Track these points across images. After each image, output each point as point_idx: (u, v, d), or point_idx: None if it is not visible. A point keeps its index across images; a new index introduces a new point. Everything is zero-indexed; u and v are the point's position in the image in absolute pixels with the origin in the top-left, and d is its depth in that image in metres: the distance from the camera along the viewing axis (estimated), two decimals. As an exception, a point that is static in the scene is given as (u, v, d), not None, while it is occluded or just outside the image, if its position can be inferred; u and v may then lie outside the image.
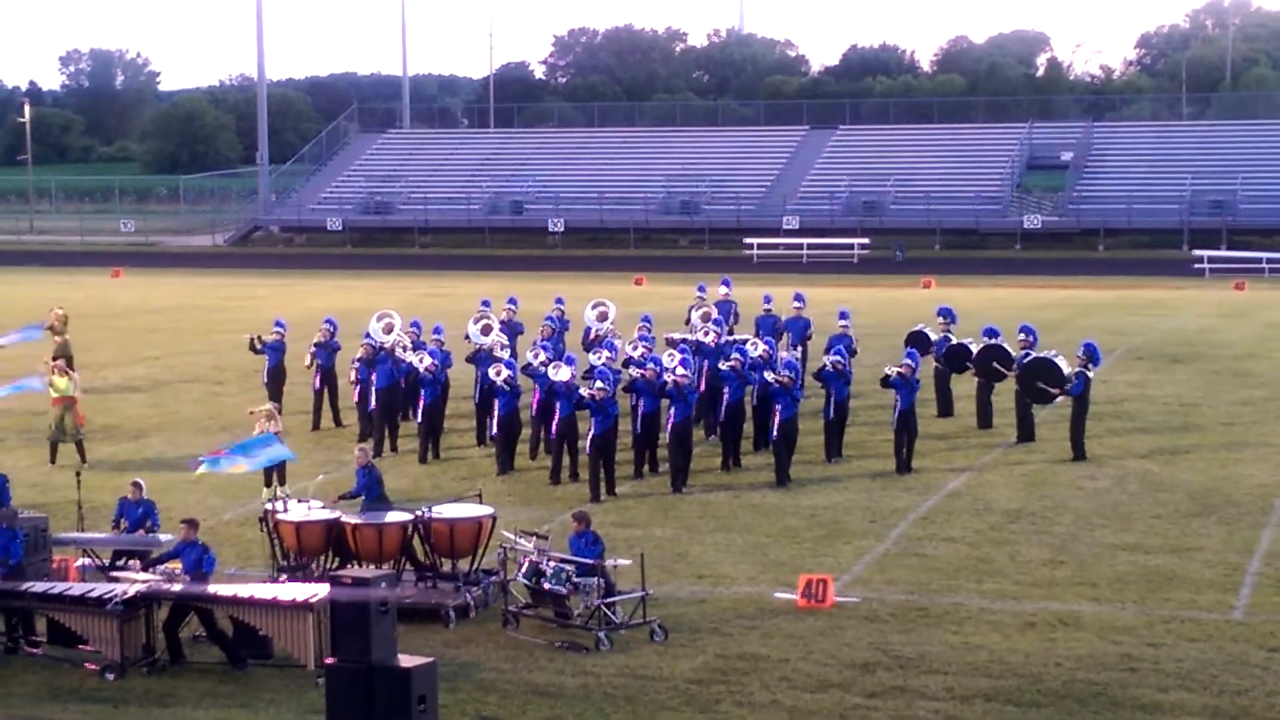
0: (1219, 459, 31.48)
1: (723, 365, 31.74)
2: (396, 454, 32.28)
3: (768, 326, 38.16)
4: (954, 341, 35.62)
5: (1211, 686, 18.81)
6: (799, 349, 37.64)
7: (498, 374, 30.84)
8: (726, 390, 31.26)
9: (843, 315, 36.86)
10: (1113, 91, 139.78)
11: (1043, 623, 21.22)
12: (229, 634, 20.08)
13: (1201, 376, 41.82)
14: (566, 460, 29.82)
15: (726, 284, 42.49)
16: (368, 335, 34.44)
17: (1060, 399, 32.33)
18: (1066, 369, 32.05)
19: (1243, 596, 22.39)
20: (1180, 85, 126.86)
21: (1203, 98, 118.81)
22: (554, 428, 29.85)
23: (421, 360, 32.41)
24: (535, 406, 31.41)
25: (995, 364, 33.72)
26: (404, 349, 33.81)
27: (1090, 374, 31.96)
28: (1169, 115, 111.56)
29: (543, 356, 31.68)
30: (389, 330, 34.43)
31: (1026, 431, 33.26)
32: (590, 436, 28.56)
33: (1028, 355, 33.10)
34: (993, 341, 34.43)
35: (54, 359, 36.49)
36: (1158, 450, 32.30)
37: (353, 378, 34.00)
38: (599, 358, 32.16)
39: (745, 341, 33.75)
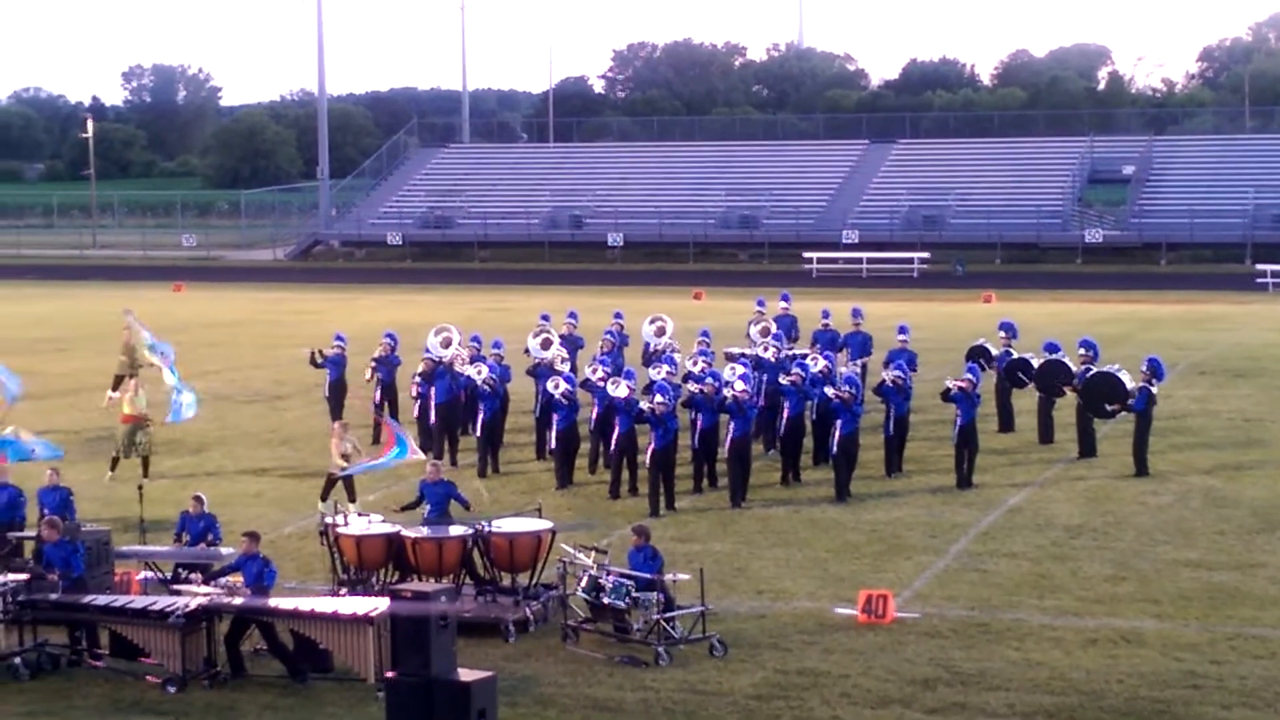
0: (1283, 475, 31.26)
1: (783, 380, 31.65)
2: (456, 468, 32.32)
3: (826, 341, 38.05)
4: (1015, 356, 35.45)
5: (1276, 704, 18.67)
6: (858, 364, 37.51)
7: (555, 387, 30.88)
8: (786, 405, 31.19)
9: (902, 330, 36.72)
10: (1174, 105, 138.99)
11: (1105, 639, 21.09)
12: (289, 647, 20.14)
13: (1265, 392, 41.51)
14: (626, 475, 29.83)
15: (786, 299, 42.39)
16: (427, 350, 34.56)
17: (1122, 414, 32.11)
18: (1129, 384, 31.85)
19: (1308, 614, 22.22)
20: (1243, 98, 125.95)
21: (1266, 111, 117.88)
22: (613, 442, 29.86)
23: (479, 373, 32.48)
24: (594, 421, 31.43)
25: (1055, 379, 33.57)
26: (462, 363, 33.90)
27: (1154, 389, 31.75)
28: (1231, 128, 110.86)
29: (601, 372, 31.71)
30: (447, 344, 34.55)
31: (1088, 447, 33.07)
32: (650, 451, 28.53)
33: (1089, 370, 32.92)
34: (1053, 356, 34.27)
35: (120, 378, 36.89)
36: (1221, 466, 32.08)
37: (413, 393, 34.10)
38: (659, 372, 32.15)
39: (805, 356, 33.68)
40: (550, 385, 31.40)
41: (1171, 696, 18.94)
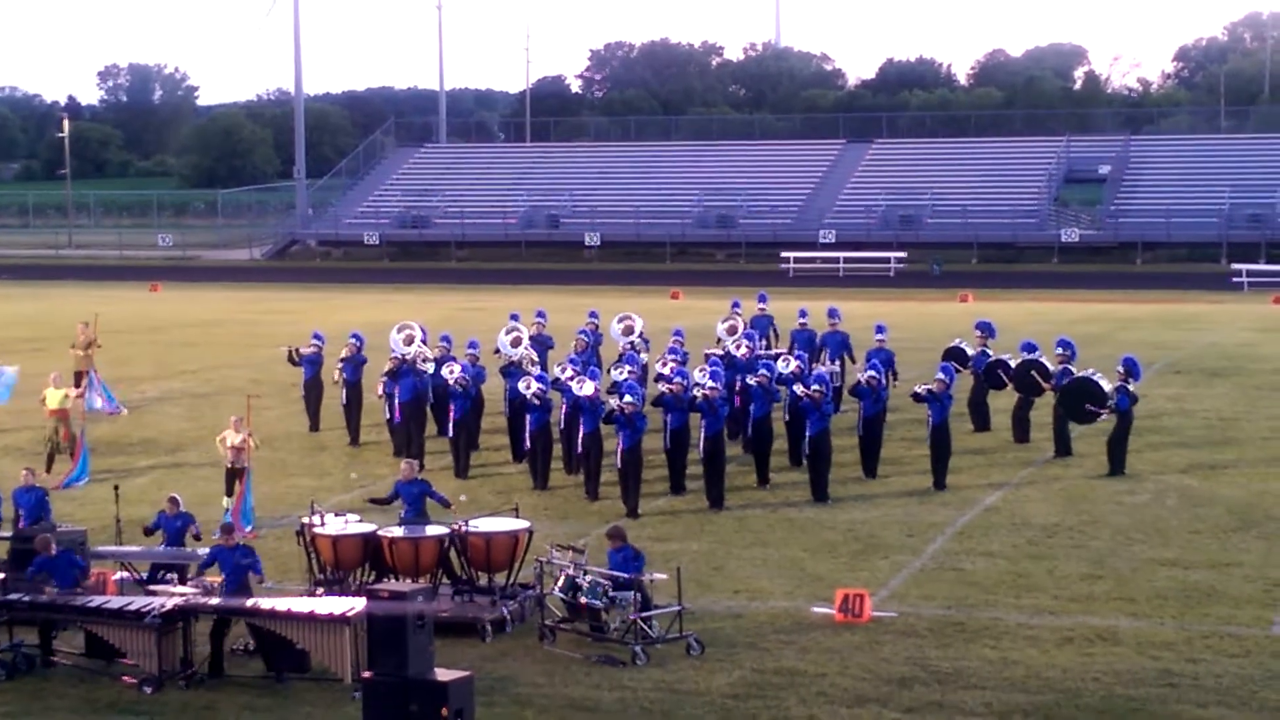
0: (1258, 474, 31.32)
1: (750, 381, 31.47)
2: (423, 468, 32.25)
3: (803, 341, 38.05)
4: (992, 356, 35.48)
5: (1251, 702, 18.72)
6: (836, 363, 37.51)
7: (527, 387, 30.82)
8: (753, 406, 31.10)
9: (879, 329, 36.73)
10: (1151, 104, 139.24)
11: (1081, 638, 21.13)
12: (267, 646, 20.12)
13: (1241, 391, 41.61)
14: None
15: (763, 299, 42.35)
16: (393, 348, 34.51)
17: (1103, 415, 32.13)
18: (1107, 386, 31.90)
19: (1282, 612, 22.28)
20: (1219, 98, 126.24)
21: (1241, 111, 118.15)
22: (579, 443, 29.80)
23: (451, 372, 32.36)
24: (562, 420, 31.35)
25: (1034, 374, 33.64)
26: (424, 360, 33.81)
27: (1131, 388, 31.78)
28: (1207, 128, 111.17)
29: (570, 370, 31.64)
30: (409, 341, 34.47)
31: (1064, 446, 33.14)
32: (619, 452, 28.47)
33: (1066, 370, 32.96)
34: (1031, 356, 34.32)
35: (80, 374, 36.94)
36: (1197, 465, 32.16)
37: (379, 392, 34.09)
38: (620, 372, 32.10)
39: (777, 357, 33.57)
40: (522, 385, 31.30)
41: (1147, 695, 18.98)
